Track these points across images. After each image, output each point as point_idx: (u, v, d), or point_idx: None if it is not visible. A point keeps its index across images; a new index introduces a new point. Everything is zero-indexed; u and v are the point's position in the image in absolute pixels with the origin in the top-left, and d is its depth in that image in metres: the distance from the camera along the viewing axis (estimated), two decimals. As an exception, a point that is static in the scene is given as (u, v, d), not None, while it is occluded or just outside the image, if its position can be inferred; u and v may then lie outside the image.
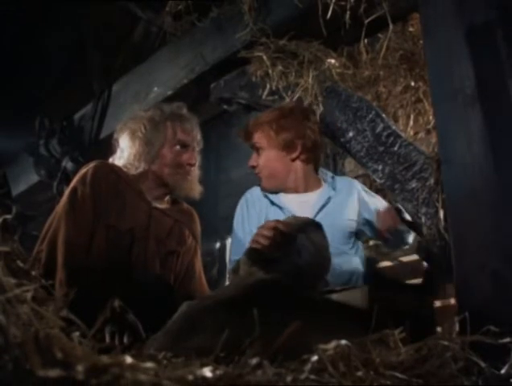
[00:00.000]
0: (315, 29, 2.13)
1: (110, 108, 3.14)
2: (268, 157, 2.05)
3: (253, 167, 2.09)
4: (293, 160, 2.05)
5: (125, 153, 2.02)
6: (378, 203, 2.09)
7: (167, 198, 2.06)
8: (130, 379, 0.58)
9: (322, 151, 2.23)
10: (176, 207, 2.09)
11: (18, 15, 3.03)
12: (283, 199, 2.05)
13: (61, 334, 0.69)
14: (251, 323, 0.89)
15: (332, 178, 2.11)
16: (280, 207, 2.02)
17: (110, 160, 2.06)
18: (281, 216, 1.92)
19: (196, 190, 2.06)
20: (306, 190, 2.06)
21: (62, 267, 1.72)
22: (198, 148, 2.09)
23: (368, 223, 2.06)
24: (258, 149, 2.07)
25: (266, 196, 2.08)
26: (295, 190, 2.06)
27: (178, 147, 2.02)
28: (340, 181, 2.13)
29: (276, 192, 2.07)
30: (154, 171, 2.00)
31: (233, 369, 0.73)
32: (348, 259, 1.96)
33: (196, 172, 2.08)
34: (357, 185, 2.13)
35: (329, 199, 2.03)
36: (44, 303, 0.82)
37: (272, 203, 2.05)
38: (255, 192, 2.12)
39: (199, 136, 2.09)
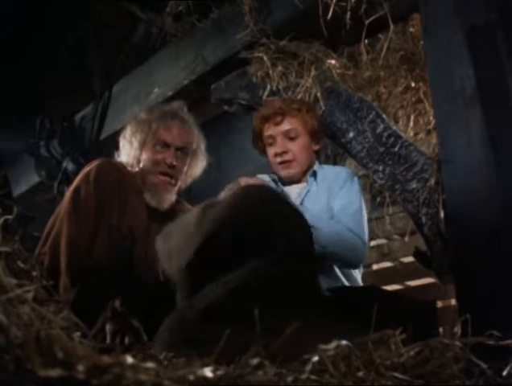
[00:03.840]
0: (315, 29, 2.13)
1: (111, 108, 3.15)
2: (304, 142, 2.00)
3: (282, 154, 1.99)
4: (314, 151, 2.06)
5: (120, 153, 2.04)
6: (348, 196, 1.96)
7: None
8: (131, 379, 0.59)
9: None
10: (177, 207, 2.06)
11: (18, 16, 3.04)
12: (286, 188, 2.02)
13: (62, 334, 0.69)
14: (251, 326, 0.88)
15: (314, 172, 2.03)
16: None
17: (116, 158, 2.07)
18: None
19: (166, 200, 1.96)
20: (299, 180, 2.03)
21: (66, 271, 1.71)
22: (188, 148, 2.00)
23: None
24: (289, 135, 1.98)
25: (275, 182, 2.03)
26: (294, 181, 2.02)
27: (158, 147, 1.96)
28: (325, 172, 2.05)
29: (292, 181, 2.03)
30: (141, 173, 1.98)
31: (234, 369, 0.73)
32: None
33: (179, 174, 1.98)
34: (339, 176, 2.02)
35: (307, 192, 1.99)
36: (45, 303, 0.82)
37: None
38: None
39: (188, 136, 2.00)
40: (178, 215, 2.01)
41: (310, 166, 2.04)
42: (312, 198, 1.98)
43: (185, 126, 2.01)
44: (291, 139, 1.99)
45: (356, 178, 2.04)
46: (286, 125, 1.99)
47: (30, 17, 3.07)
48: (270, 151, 2.03)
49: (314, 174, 2.03)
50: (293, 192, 1.99)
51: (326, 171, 2.07)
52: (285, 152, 1.99)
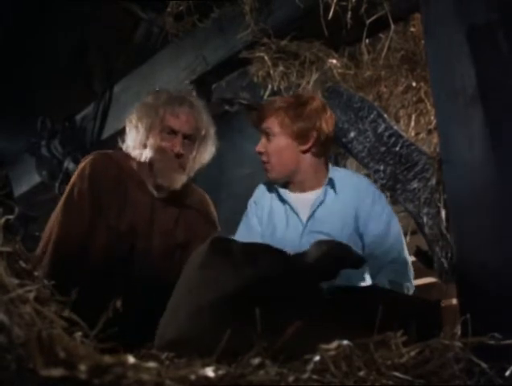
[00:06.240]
0: (316, 29, 2.13)
1: (112, 108, 3.15)
2: (279, 144, 1.91)
3: (260, 153, 1.94)
4: (303, 152, 1.93)
5: (126, 140, 1.97)
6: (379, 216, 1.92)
7: None
8: (133, 379, 0.59)
9: (332, 145, 2.06)
10: (185, 192, 1.99)
11: (19, 16, 3.04)
12: (288, 195, 1.97)
13: (64, 333, 0.69)
14: (253, 322, 0.88)
15: (331, 179, 1.95)
16: (283, 201, 1.96)
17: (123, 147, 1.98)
18: (282, 210, 1.93)
19: (177, 179, 1.90)
20: (312, 187, 1.96)
21: (50, 255, 1.72)
22: (195, 135, 1.93)
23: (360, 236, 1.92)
24: (268, 135, 1.92)
25: (270, 190, 2.00)
26: (301, 187, 1.97)
27: (165, 133, 1.90)
28: (344, 181, 1.97)
29: (283, 183, 1.97)
30: (149, 159, 1.91)
31: (236, 369, 0.73)
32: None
33: (186, 162, 1.92)
34: (363, 191, 1.96)
35: (321, 202, 1.92)
36: (47, 303, 0.82)
37: (278, 195, 1.97)
38: (259, 191, 2.04)
39: (196, 123, 1.93)
40: (184, 202, 1.96)
41: (300, 169, 1.94)
42: (327, 209, 1.91)
43: (194, 112, 1.94)
44: (268, 139, 1.93)
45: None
46: (262, 123, 1.94)
47: (31, 17, 3.08)
48: None
49: (330, 182, 1.95)
50: (302, 200, 1.94)
51: (343, 179, 1.98)
52: (261, 152, 1.94)
